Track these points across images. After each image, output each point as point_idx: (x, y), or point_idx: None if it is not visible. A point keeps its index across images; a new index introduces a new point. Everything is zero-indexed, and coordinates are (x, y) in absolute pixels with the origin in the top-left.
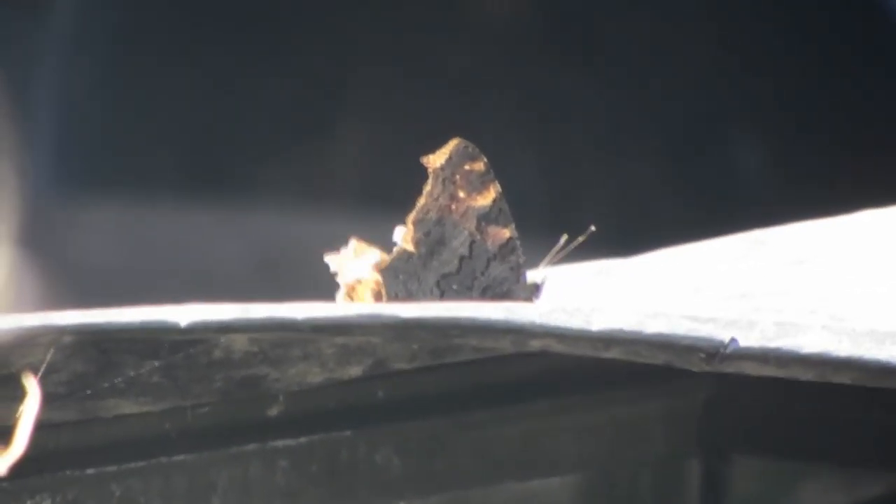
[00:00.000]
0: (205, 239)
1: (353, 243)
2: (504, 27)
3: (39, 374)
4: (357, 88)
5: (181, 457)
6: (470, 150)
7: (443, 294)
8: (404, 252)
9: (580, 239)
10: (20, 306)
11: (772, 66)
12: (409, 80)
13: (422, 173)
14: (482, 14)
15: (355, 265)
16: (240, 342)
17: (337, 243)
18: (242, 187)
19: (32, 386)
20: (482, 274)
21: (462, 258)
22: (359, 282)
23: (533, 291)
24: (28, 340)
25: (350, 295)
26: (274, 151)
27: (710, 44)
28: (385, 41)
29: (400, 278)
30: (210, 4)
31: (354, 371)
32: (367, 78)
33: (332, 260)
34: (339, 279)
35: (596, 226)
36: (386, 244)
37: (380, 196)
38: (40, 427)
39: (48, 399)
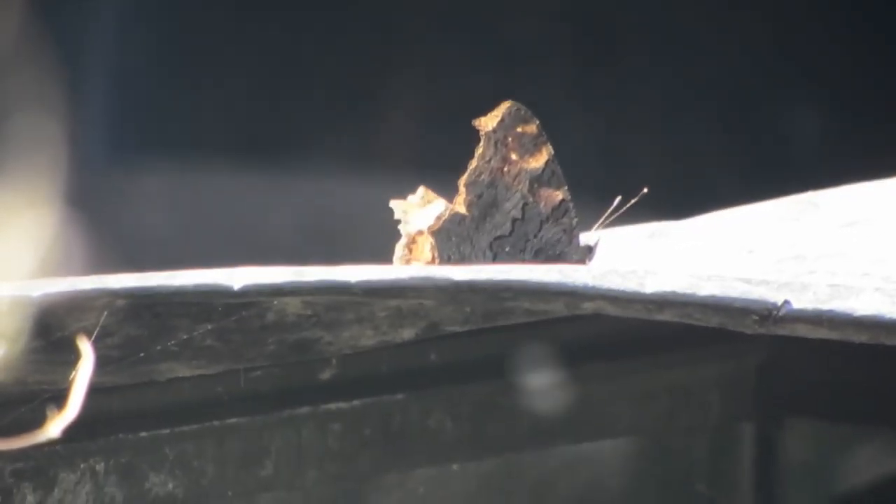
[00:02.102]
0: (257, 204)
1: (421, 191)
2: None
3: (93, 337)
4: (409, 52)
5: (234, 420)
6: (522, 112)
7: (495, 256)
8: (457, 214)
9: (633, 201)
10: (73, 271)
11: (824, 30)
12: (462, 46)
13: (474, 136)
14: None
15: (420, 214)
16: (293, 305)
17: (388, 208)
18: (294, 152)
19: (86, 349)
20: (535, 236)
21: (515, 220)
22: (421, 233)
23: (586, 253)
24: (82, 304)
25: (409, 246)
26: (325, 116)
27: (762, 7)
28: (437, 8)
29: (453, 240)
30: None
31: (407, 334)
32: (418, 43)
33: (398, 206)
34: (401, 227)
35: (649, 188)
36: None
37: (433, 160)
38: (94, 390)
39: (102, 362)
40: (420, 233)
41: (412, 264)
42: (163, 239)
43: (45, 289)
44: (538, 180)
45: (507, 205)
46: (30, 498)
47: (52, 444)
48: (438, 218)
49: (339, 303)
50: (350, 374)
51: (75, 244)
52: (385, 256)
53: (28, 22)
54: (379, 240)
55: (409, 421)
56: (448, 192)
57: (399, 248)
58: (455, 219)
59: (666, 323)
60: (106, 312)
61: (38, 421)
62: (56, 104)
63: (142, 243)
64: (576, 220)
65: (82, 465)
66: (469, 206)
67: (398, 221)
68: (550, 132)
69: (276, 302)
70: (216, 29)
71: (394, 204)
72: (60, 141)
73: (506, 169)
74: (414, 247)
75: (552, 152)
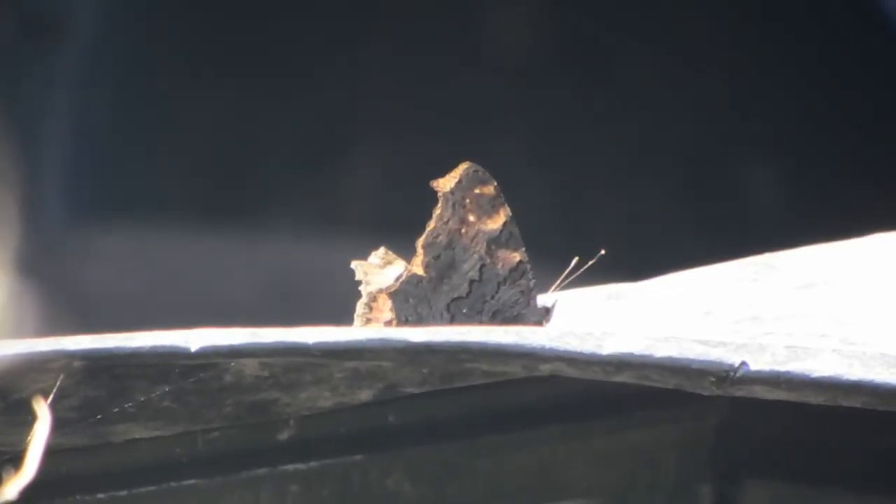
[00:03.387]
0: (215, 265)
1: (382, 251)
2: (515, 55)
3: (50, 398)
4: (367, 115)
5: (192, 481)
6: (480, 173)
7: (453, 318)
8: (414, 276)
9: (590, 262)
10: (28, 332)
11: (781, 92)
12: (420, 107)
13: (432, 198)
14: (493, 42)
15: (381, 275)
16: (250, 367)
17: (347, 270)
18: (253, 213)
19: (43, 411)
20: (492, 298)
21: (472, 282)
22: (381, 292)
23: (543, 315)
24: (39, 365)
25: (370, 305)
26: (284, 179)
27: (719, 70)
28: (396, 69)
29: (410, 302)
30: (223, 35)
31: (365, 395)
32: (377, 105)
33: (359, 267)
34: (362, 288)
35: (606, 250)
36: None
37: (391, 222)
38: (51, 452)
39: (59, 424)
40: (380, 292)
41: (372, 325)
42: (120, 300)
43: (1, 350)
44: (496, 242)
45: (465, 266)
46: None
47: None
48: (396, 279)
49: (296, 364)
50: (308, 435)
51: (31, 305)
52: (344, 318)
53: None
54: (338, 301)
55: (367, 482)
56: (407, 252)
57: (360, 308)
58: (412, 280)
59: (624, 384)
60: (63, 374)
61: None
62: (11, 163)
63: (98, 304)
64: (533, 281)
65: None
66: (426, 267)
67: (359, 283)
68: (508, 193)
69: (233, 363)
70: (177, 89)
71: (355, 265)
72: (16, 200)
73: (463, 230)
74: (375, 306)
75: (510, 214)
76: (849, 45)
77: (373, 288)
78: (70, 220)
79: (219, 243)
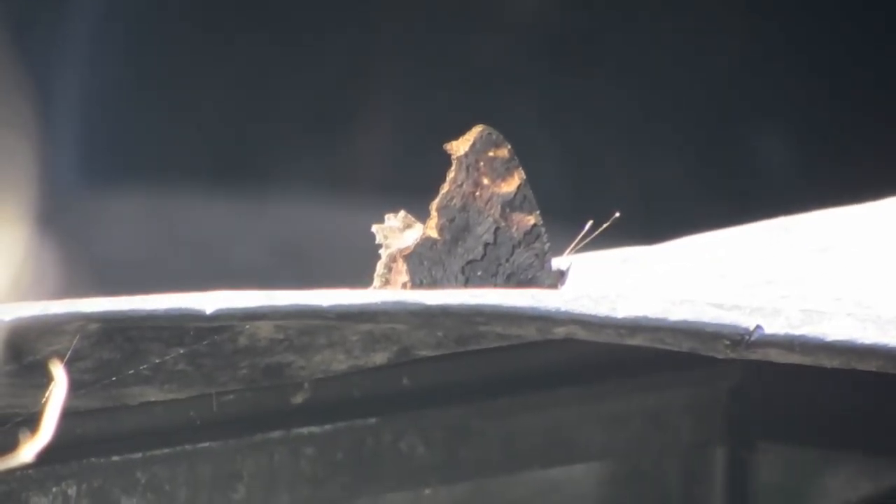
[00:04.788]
0: (230, 228)
1: (402, 214)
2: (530, 21)
3: (65, 361)
4: (381, 78)
5: (206, 444)
6: (494, 136)
7: (467, 281)
8: (429, 239)
9: (605, 225)
10: (44, 294)
11: (794, 55)
12: (434, 71)
13: (446, 161)
14: (507, 4)
15: (401, 237)
16: (265, 329)
17: (361, 232)
18: (267, 177)
19: (59, 373)
20: (507, 261)
21: (486, 245)
22: (401, 253)
23: (558, 278)
24: (54, 328)
25: (390, 265)
26: (299, 141)
27: (733, 35)
28: (410, 34)
29: (424, 265)
30: None
31: (379, 358)
32: (391, 68)
33: (379, 230)
34: (382, 251)
35: (621, 213)
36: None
37: (404, 185)
38: (66, 414)
39: (74, 386)
40: (401, 252)
41: (390, 287)
42: (135, 262)
43: (17, 313)
44: (510, 205)
45: (479, 229)
46: None
47: (24, 468)
48: (405, 248)
49: (311, 327)
50: (322, 398)
51: (47, 267)
52: (358, 281)
53: None
54: (352, 264)
55: (381, 445)
56: (422, 216)
57: (379, 269)
58: (426, 243)
59: (638, 347)
60: (78, 336)
61: (11, 445)
62: (26, 126)
63: (114, 267)
64: (548, 244)
65: (54, 489)
66: (441, 230)
67: (379, 245)
68: (522, 156)
69: (248, 326)
70: (188, 52)
71: (375, 228)
72: (31, 163)
73: (478, 193)
74: (394, 267)
75: (524, 177)
76: (862, 5)
77: (392, 250)
78: (85, 183)
79: (233, 206)
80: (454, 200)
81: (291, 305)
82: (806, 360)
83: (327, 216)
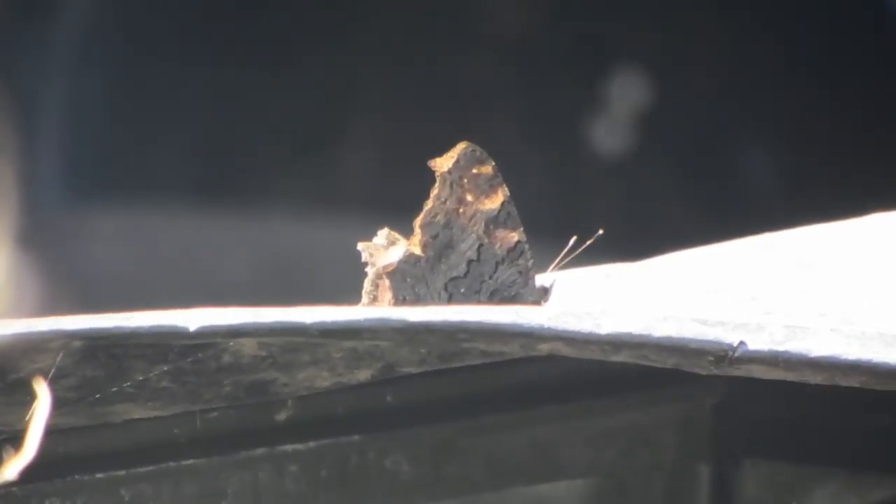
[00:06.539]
0: (214, 245)
1: (386, 232)
2: (514, 35)
3: (49, 378)
4: (365, 95)
5: (190, 461)
6: (478, 153)
7: (451, 298)
8: (412, 256)
9: (589, 242)
10: (27, 312)
11: (779, 74)
12: (418, 89)
13: (430, 178)
14: (491, 20)
15: (386, 255)
16: (249, 347)
17: (345, 249)
18: (251, 194)
19: (42, 391)
20: (490, 277)
21: (470, 262)
22: (384, 270)
23: (541, 295)
24: (38, 345)
25: (376, 284)
26: (282, 158)
27: (719, 52)
28: (393, 52)
29: (408, 282)
30: (219, 14)
31: (363, 375)
32: (374, 85)
33: (365, 248)
34: (368, 269)
35: (605, 229)
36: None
37: (389, 201)
38: (50, 432)
39: (58, 404)
40: (387, 269)
41: (377, 304)
42: (119, 280)
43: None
44: (494, 221)
45: (463, 246)
46: None
47: (8, 485)
48: (388, 265)
49: (294, 344)
50: (306, 415)
51: (30, 284)
52: (342, 298)
53: None
54: (335, 281)
55: (365, 462)
56: (405, 233)
57: (367, 286)
58: (410, 260)
59: (622, 364)
60: (62, 354)
61: None
62: (9, 143)
63: (97, 284)
64: (531, 261)
65: None
66: (424, 246)
67: (363, 263)
68: (506, 173)
69: (231, 343)
70: (173, 69)
71: (361, 246)
72: (14, 180)
73: (461, 210)
74: (381, 284)
75: (508, 193)
76: (847, 25)
77: (378, 267)
78: (68, 200)
79: (217, 223)
80: (438, 217)
81: (275, 322)
82: (789, 376)
83: (311, 233)
